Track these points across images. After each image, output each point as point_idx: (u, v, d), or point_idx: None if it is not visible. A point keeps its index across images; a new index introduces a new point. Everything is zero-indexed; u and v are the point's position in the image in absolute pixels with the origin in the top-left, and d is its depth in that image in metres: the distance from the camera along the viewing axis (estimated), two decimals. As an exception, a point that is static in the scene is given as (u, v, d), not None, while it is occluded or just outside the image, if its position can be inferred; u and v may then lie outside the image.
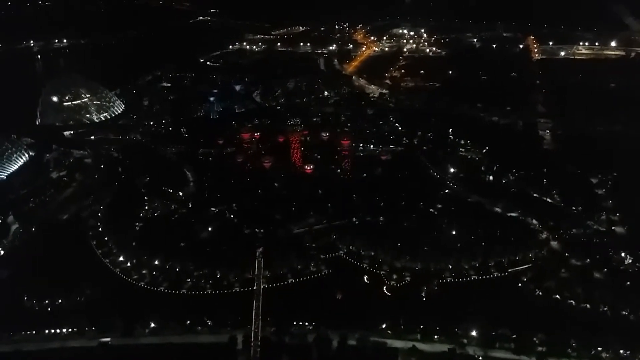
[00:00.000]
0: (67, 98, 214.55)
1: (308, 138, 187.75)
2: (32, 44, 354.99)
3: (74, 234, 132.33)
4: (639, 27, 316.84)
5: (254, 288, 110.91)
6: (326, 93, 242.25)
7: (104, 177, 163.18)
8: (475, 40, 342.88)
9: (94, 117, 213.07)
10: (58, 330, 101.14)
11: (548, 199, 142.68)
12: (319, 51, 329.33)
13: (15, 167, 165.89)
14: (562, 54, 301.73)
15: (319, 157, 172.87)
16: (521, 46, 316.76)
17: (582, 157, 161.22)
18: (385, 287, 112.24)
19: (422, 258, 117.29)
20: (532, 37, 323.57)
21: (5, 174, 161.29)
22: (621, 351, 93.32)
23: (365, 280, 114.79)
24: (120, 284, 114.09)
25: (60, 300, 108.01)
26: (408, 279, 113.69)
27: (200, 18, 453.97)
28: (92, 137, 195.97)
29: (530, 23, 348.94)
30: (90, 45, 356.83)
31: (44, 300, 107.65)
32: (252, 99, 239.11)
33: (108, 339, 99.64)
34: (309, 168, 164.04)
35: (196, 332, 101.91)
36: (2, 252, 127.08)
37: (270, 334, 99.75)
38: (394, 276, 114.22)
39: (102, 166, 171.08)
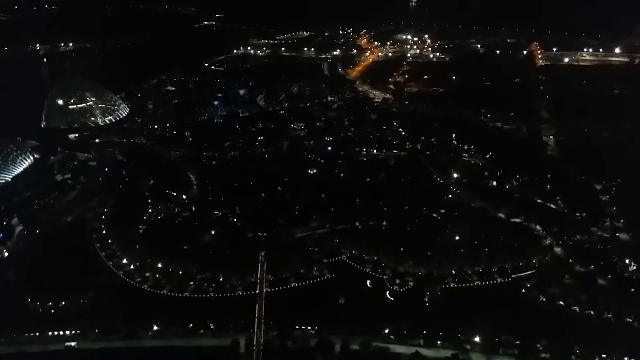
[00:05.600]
0: (72, 101, 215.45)
1: (311, 142, 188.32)
2: (38, 47, 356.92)
3: (77, 236, 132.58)
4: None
5: (257, 292, 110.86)
6: (330, 98, 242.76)
7: (108, 180, 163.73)
8: (479, 46, 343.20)
9: (99, 120, 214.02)
10: (61, 332, 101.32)
11: (552, 205, 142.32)
12: (323, 56, 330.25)
13: (20, 169, 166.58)
14: (566, 60, 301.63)
15: (322, 161, 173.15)
16: (525, 52, 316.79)
17: (586, 163, 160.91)
18: (388, 292, 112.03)
19: (425, 263, 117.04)
20: (536, 43, 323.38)
21: (10, 176, 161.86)
22: (625, 358, 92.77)
23: (368, 285, 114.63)
24: (124, 287, 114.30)
25: (63, 302, 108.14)
26: (411, 283, 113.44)
27: (205, 23, 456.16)
28: (97, 140, 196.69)
29: (534, 29, 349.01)
30: (96, 49, 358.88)
31: (47, 302, 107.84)
32: (256, 103, 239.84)
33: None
34: (312, 172, 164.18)
35: (199, 335, 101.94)
36: (7, 254, 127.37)
37: (273, 338, 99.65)
38: (397, 281, 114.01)
39: (106, 169, 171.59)
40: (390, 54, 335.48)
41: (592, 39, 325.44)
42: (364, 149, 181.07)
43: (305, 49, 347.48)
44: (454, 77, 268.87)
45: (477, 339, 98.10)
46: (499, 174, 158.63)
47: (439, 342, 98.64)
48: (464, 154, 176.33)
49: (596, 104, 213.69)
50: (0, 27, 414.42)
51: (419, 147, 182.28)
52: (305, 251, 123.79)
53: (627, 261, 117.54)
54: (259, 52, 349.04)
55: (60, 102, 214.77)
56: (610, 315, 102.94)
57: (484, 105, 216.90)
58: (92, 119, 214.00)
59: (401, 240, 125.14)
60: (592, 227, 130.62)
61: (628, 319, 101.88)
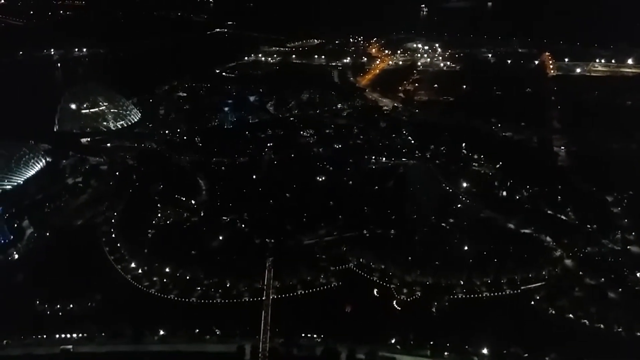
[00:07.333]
0: (85, 106, 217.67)
1: (320, 149, 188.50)
2: (52, 53, 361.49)
3: (87, 239, 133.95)
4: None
5: (263, 298, 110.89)
6: (339, 105, 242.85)
7: (118, 184, 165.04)
8: (490, 55, 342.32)
9: (111, 125, 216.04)
10: (68, 335, 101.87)
11: (562, 216, 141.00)
12: (333, 64, 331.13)
13: (32, 172, 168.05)
14: (578, 70, 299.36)
15: (331, 168, 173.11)
16: (536, 62, 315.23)
17: (597, 174, 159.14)
18: (395, 301, 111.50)
19: (433, 273, 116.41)
20: (547, 54, 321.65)
21: (22, 179, 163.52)
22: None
23: (375, 294, 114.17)
24: (131, 291, 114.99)
25: (71, 305, 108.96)
26: (418, 293, 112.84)
27: (217, 30, 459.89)
28: (108, 145, 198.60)
29: (546, 39, 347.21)
30: (109, 55, 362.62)
31: (55, 304, 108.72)
32: (265, 109, 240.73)
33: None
34: (320, 179, 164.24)
35: (205, 341, 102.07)
36: (17, 256, 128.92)
37: (279, 345, 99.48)
38: (404, 290, 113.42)
39: (117, 173, 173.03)
40: (400, 63, 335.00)
41: (605, 50, 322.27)
42: (373, 157, 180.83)
43: (316, 56, 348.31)
44: (464, 86, 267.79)
45: (484, 350, 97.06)
46: (509, 184, 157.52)
47: (446, 353, 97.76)
48: (474, 164, 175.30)
49: (608, 115, 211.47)
50: (16, 32, 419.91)
51: (428, 156, 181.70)
52: (313, 258, 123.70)
53: (638, 274, 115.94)
54: (269, 59, 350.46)
55: (73, 106, 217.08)
56: (620, 329, 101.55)
57: (494, 114, 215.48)
58: (104, 123, 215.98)
59: (409, 249, 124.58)
60: (603, 239, 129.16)
61: (638, 333, 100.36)
